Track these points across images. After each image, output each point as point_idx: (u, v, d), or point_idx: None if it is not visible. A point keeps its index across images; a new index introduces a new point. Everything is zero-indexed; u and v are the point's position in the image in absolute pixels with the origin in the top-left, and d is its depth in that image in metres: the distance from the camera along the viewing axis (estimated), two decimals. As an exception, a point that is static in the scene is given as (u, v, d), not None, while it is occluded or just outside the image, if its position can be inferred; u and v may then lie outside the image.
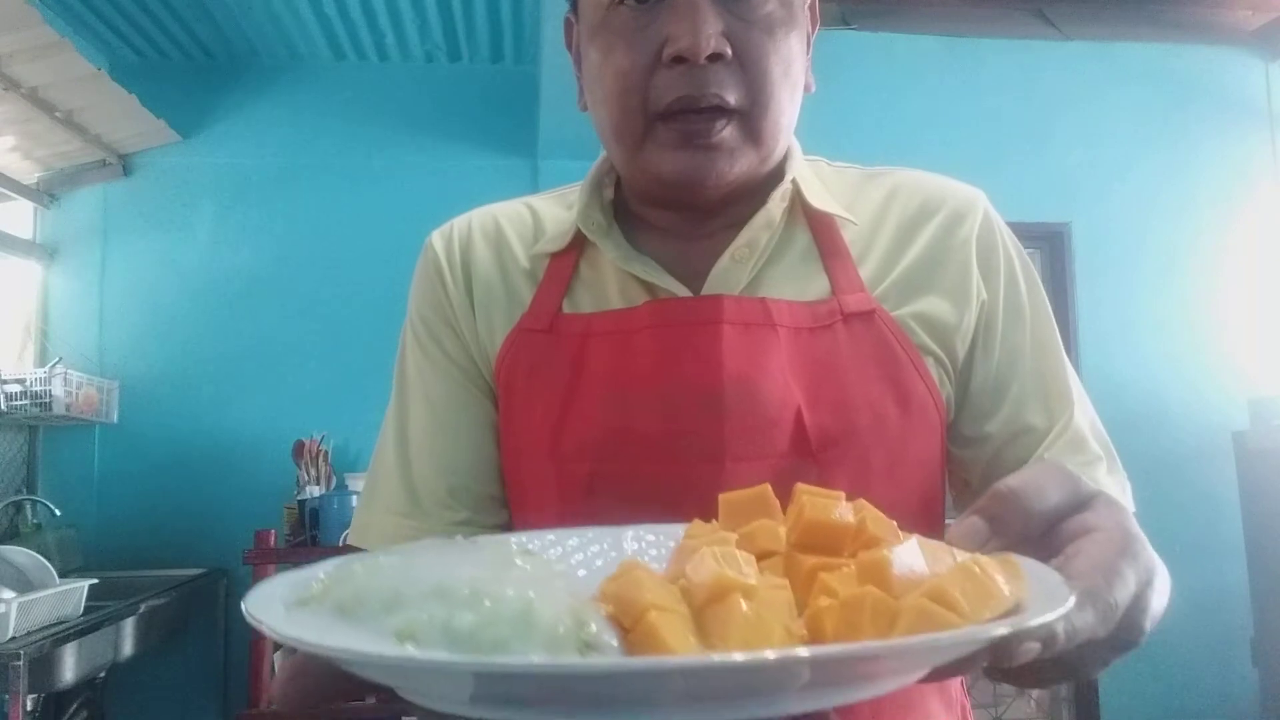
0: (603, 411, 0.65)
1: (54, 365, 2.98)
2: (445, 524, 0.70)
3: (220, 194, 3.44)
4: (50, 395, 2.88)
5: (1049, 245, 3.59)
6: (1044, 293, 0.73)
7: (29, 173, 3.23)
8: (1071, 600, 0.33)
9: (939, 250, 0.69)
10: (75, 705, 2.76)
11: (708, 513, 0.44)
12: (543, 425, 0.67)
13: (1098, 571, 0.38)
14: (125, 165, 3.39)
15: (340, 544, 2.78)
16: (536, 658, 0.30)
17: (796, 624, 0.34)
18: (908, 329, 0.67)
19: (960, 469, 0.71)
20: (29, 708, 2.18)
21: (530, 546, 0.43)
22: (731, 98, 0.63)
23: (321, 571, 0.37)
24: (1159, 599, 0.44)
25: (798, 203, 0.70)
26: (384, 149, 3.52)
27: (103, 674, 2.72)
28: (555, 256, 0.72)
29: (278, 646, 2.52)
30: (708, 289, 0.67)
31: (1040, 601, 0.34)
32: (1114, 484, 0.67)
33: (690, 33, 0.61)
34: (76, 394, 2.98)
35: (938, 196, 0.71)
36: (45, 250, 3.32)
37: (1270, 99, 3.66)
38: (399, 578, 0.34)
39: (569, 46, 0.75)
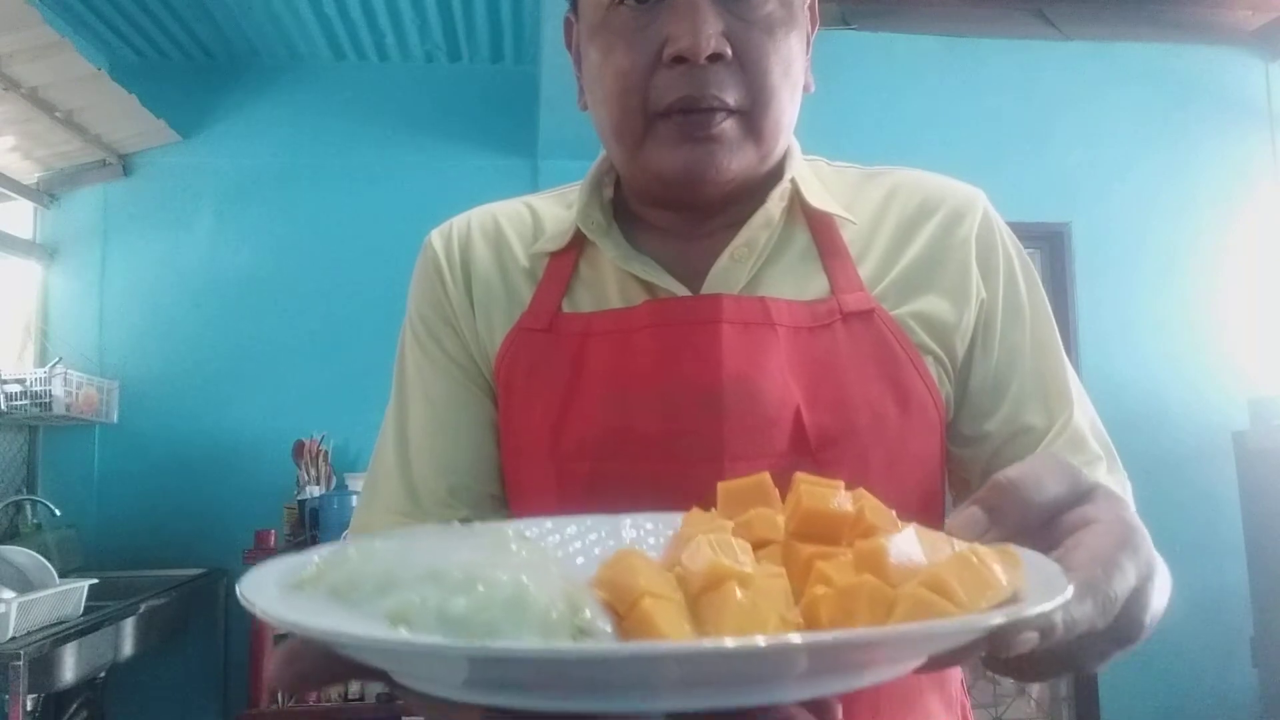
0: (602, 411, 0.65)
1: (54, 365, 2.98)
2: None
3: (220, 194, 3.45)
4: (50, 395, 2.89)
5: (1049, 245, 3.59)
6: (1043, 292, 0.72)
7: (29, 173, 3.23)
8: (1070, 590, 0.33)
9: (938, 249, 0.69)
10: (75, 705, 2.76)
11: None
12: (542, 424, 0.67)
13: (1097, 563, 0.38)
14: (125, 165, 3.39)
15: (340, 544, 2.77)
16: (529, 642, 0.30)
17: (792, 612, 0.34)
18: (907, 328, 0.67)
19: (960, 468, 0.71)
20: (29, 708, 2.18)
21: (528, 534, 0.43)
22: (731, 98, 0.63)
23: (316, 555, 0.37)
24: (1159, 596, 0.44)
25: (797, 202, 0.70)
26: (384, 149, 3.52)
27: (103, 674, 2.72)
28: (555, 256, 0.72)
29: (278, 642, 2.52)
30: (707, 288, 0.67)
31: (1038, 591, 0.34)
32: (1114, 483, 0.66)
33: (690, 33, 0.61)
34: (76, 394, 2.98)
35: (937, 196, 0.71)
36: (45, 250, 3.32)
37: (1270, 99, 3.66)
38: (393, 561, 0.34)
39: (569, 46, 0.75)
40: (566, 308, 0.70)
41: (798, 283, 0.68)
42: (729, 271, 0.67)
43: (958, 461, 0.71)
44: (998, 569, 0.33)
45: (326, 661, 0.33)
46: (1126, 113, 3.62)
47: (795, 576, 0.37)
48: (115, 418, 3.21)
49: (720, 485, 0.43)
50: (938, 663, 0.34)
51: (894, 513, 0.39)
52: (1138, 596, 0.40)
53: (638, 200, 0.73)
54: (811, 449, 0.62)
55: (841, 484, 0.40)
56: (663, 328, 0.65)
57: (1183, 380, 3.49)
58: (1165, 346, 3.51)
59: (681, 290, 0.67)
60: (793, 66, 0.66)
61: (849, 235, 0.70)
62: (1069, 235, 3.56)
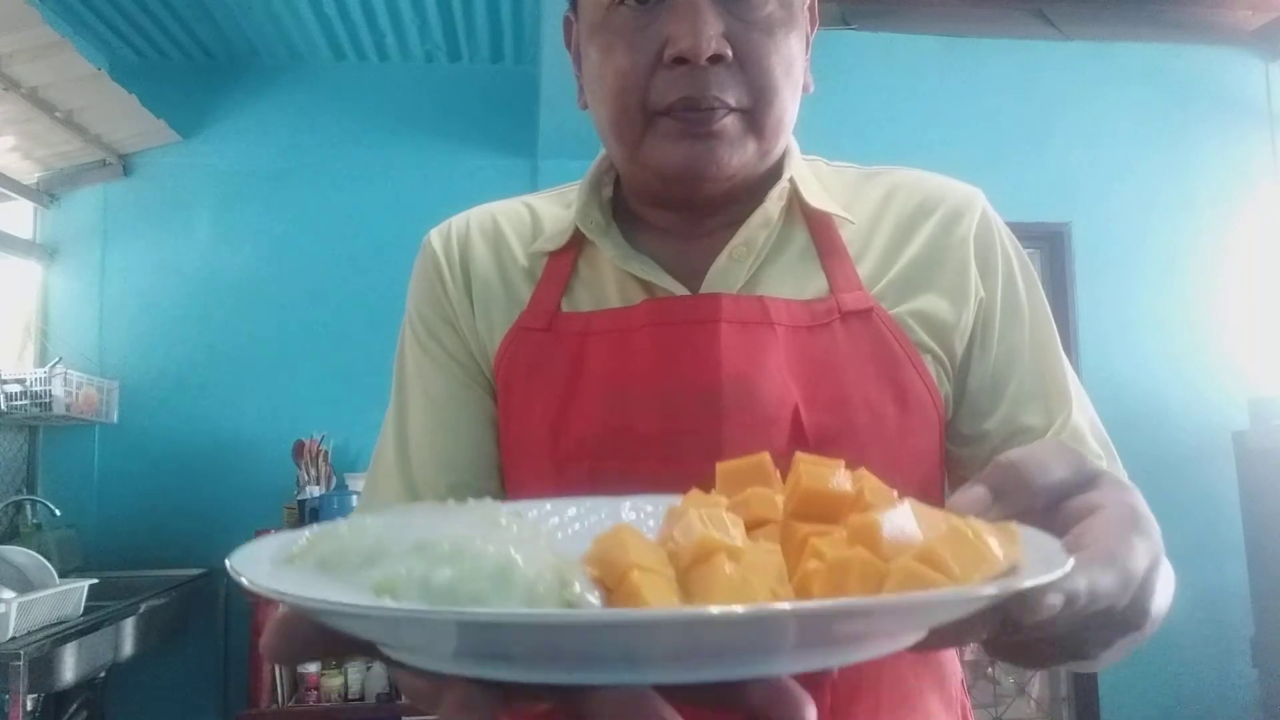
0: (601, 410, 0.65)
1: (54, 365, 2.98)
2: None
3: (220, 194, 3.45)
4: (50, 395, 2.89)
5: (1049, 245, 3.59)
6: (1042, 292, 0.72)
7: (29, 173, 3.23)
8: (1070, 563, 0.33)
9: (937, 248, 0.69)
10: (75, 705, 2.76)
11: None
12: (541, 424, 0.67)
13: (1113, 541, 0.37)
14: (125, 165, 3.39)
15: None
16: (511, 610, 0.30)
17: (784, 588, 0.33)
18: (906, 327, 0.67)
19: (959, 467, 0.71)
20: (29, 708, 2.18)
21: (530, 514, 0.43)
22: (732, 99, 0.63)
23: (308, 531, 0.37)
24: (1164, 590, 0.44)
25: (795, 202, 0.70)
26: (384, 149, 3.52)
27: (103, 674, 2.72)
28: (554, 255, 0.72)
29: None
30: (706, 288, 0.67)
31: (1036, 566, 0.33)
32: (1115, 482, 0.66)
33: (691, 34, 0.61)
34: (76, 394, 2.98)
35: (936, 195, 0.71)
36: (45, 250, 3.32)
37: (1270, 99, 3.66)
38: (382, 535, 0.33)
39: (568, 45, 0.75)
40: (565, 307, 0.70)
41: (796, 282, 0.68)
42: (728, 271, 0.67)
43: (957, 461, 0.71)
44: (993, 543, 0.33)
45: (318, 634, 0.33)
46: (1126, 113, 3.62)
47: (792, 556, 0.36)
48: (115, 418, 3.21)
49: (719, 465, 0.43)
50: (941, 639, 0.34)
51: (895, 493, 0.39)
52: (1144, 583, 0.39)
53: (637, 199, 0.73)
54: (810, 448, 0.62)
55: (842, 463, 0.39)
56: (662, 327, 0.66)
57: (1183, 380, 3.49)
58: (1165, 346, 3.51)
59: (680, 290, 0.67)
60: (793, 67, 0.66)
61: (848, 235, 0.70)
62: (1069, 235, 3.56)
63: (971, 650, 3.38)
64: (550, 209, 0.76)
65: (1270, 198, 3.62)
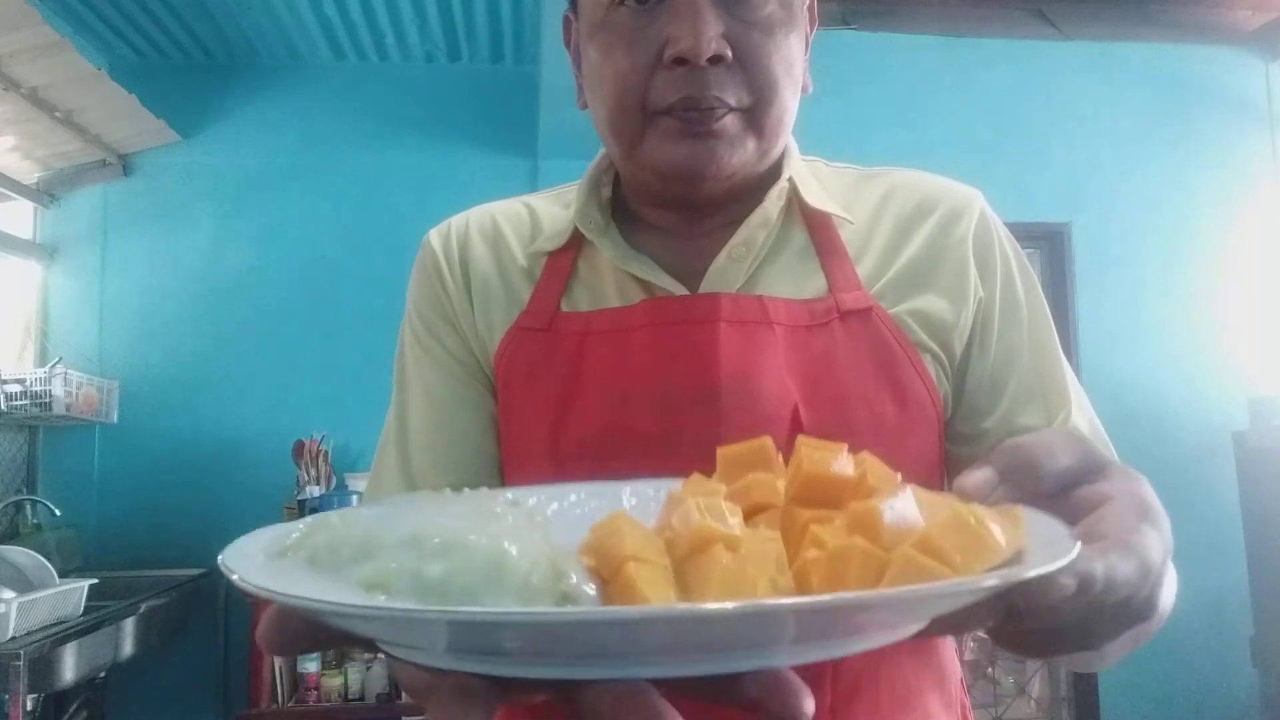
0: (601, 409, 0.65)
1: (54, 365, 2.98)
2: None
3: (220, 194, 3.45)
4: (50, 395, 2.89)
5: (1049, 245, 3.59)
6: (1041, 293, 0.72)
7: (29, 173, 3.23)
8: (1077, 548, 0.32)
9: (936, 248, 0.69)
10: (75, 705, 2.76)
11: None
12: (541, 423, 0.67)
13: (1127, 532, 0.37)
14: (125, 165, 3.39)
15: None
16: (502, 607, 0.29)
17: (784, 577, 0.33)
18: (905, 326, 0.67)
19: (958, 467, 0.71)
20: (29, 708, 2.18)
21: (531, 501, 0.42)
22: (732, 99, 0.63)
23: (302, 524, 0.36)
24: (1170, 585, 0.43)
25: (795, 201, 0.70)
26: (384, 149, 3.52)
27: (103, 674, 2.72)
28: (553, 255, 0.72)
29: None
30: (705, 287, 0.67)
31: (1042, 552, 0.32)
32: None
33: (691, 34, 0.61)
34: (76, 394, 2.98)
35: (934, 196, 0.71)
36: (45, 250, 3.32)
37: (1270, 99, 3.66)
38: (375, 527, 0.33)
39: (567, 44, 0.75)
40: (565, 307, 0.70)
41: (795, 281, 0.68)
42: (727, 270, 0.67)
43: (956, 461, 0.71)
44: (996, 530, 0.32)
45: (312, 627, 0.33)
46: (1126, 113, 3.62)
47: (793, 542, 0.35)
48: (115, 418, 3.21)
49: (720, 450, 0.42)
50: (944, 627, 0.33)
51: (899, 476, 0.38)
52: (1158, 574, 0.39)
53: (636, 199, 0.73)
54: (810, 447, 0.62)
55: (844, 447, 0.39)
56: (661, 327, 0.66)
57: (1183, 380, 3.49)
58: (1165, 346, 3.52)
59: (679, 289, 0.67)
60: (793, 67, 0.66)
61: (846, 235, 0.70)
62: (1069, 235, 3.56)
63: (971, 650, 3.38)
64: (549, 209, 0.77)
65: (1270, 198, 3.62)
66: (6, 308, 3.21)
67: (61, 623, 2.28)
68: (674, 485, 0.42)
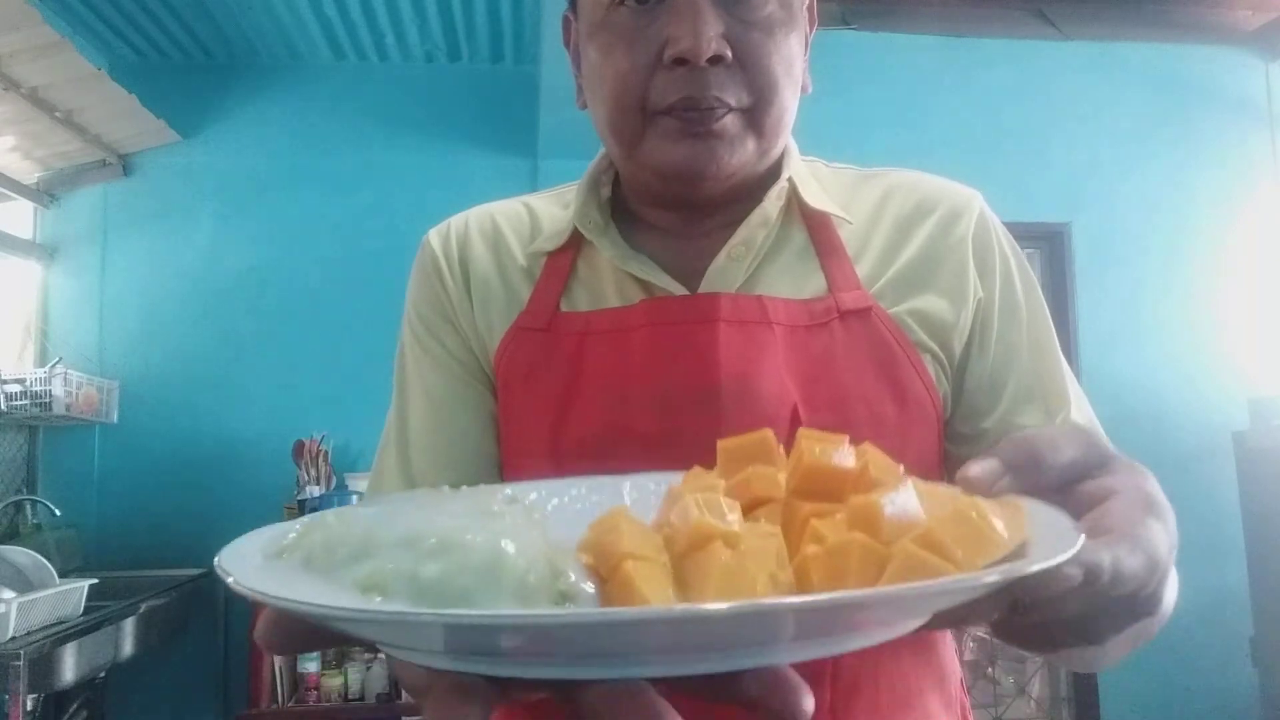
0: (601, 409, 0.65)
1: (54, 365, 2.98)
2: None
3: (220, 194, 3.45)
4: (50, 395, 2.89)
5: (1049, 245, 3.59)
6: (1040, 294, 0.72)
7: (29, 173, 3.23)
8: (1081, 540, 0.32)
9: (935, 248, 0.69)
10: (75, 705, 2.76)
11: None
12: (541, 423, 0.67)
13: (1134, 526, 0.36)
14: (125, 165, 3.39)
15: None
16: (499, 608, 0.29)
17: (784, 572, 0.32)
18: (905, 326, 0.67)
19: (957, 467, 0.71)
20: (29, 708, 2.18)
21: (532, 496, 0.42)
22: (732, 99, 0.63)
23: (298, 523, 0.36)
24: (1172, 582, 0.43)
25: (794, 201, 0.70)
26: (384, 149, 3.52)
27: (103, 674, 2.72)
28: (552, 255, 0.72)
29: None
30: (704, 287, 0.67)
31: (1045, 545, 0.32)
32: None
33: (691, 34, 0.61)
34: (76, 394, 2.98)
35: (934, 196, 0.71)
36: (45, 250, 3.32)
37: (1270, 99, 3.66)
38: (371, 528, 0.32)
39: (567, 44, 0.75)
40: (564, 307, 0.70)
41: (795, 281, 0.68)
42: (726, 270, 0.67)
43: (955, 460, 0.71)
44: (998, 524, 0.32)
45: (310, 626, 0.33)
46: (1126, 113, 3.62)
47: (794, 536, 0.35)
48: (115, 418, 3.21)
49: (720, 443, 0.42)
50: (945, 621, 0.33)
51: (901, 468, 0.38)
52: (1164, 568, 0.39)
53: (636, 199, 0.73)
54: (809, 447, 0.62)
55: (846, 439, 0.38)
56: (660, 326, 0.66)
57: (1183, 380, 3.49)
58: (1165, 346, 3.52)
59: (679, 289, 0.67)
60: (793, 67, 0.66)
61: (846, 234, 0.70)
62: (1069, 235, 3.56)
63: (971, 650, 3.38)
64: (549, 209, 0.77)
65: (1270, 198, 3.62)
66: (6, 308, 3.21)
67: (61, 623, 2.28)
68: (675, 479, 0.41)
